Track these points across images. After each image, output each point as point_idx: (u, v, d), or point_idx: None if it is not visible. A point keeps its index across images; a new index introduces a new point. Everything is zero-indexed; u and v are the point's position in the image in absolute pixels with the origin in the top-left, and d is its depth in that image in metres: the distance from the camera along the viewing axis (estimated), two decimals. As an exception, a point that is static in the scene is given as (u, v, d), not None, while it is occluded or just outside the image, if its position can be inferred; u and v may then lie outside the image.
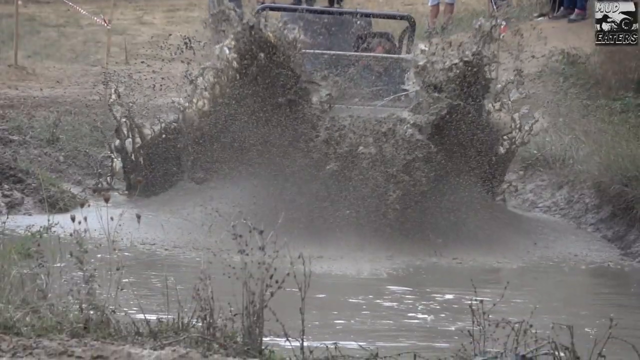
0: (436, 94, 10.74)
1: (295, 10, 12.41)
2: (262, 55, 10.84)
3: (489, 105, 11.35)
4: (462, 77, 10.80)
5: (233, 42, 10.95)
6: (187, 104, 11.45)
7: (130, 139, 11.81)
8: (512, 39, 11.28)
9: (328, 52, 11.72)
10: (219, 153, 11.17)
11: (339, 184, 10.58)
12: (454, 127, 10.80)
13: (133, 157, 11.84)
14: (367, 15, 12.96)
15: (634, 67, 14.36)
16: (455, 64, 10.81)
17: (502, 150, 11.51)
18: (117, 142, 12.01)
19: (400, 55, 12.21)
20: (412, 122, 10.64)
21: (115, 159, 12.21)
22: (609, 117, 13.25)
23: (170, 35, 13.01)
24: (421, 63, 10.92)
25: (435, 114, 10.66)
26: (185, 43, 11.21)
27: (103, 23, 18.16)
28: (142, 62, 13.82)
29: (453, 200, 10.78)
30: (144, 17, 22.17)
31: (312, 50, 11.46)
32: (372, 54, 11.94)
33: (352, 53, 11.84)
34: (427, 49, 11.06)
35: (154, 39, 15.28)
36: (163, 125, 11.77)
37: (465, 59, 10.81)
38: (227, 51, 10.99)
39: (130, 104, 11.82)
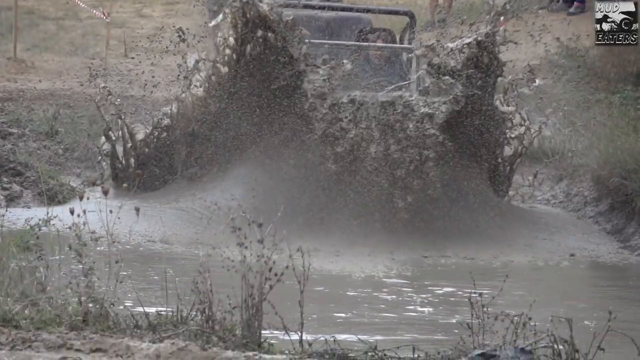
0: (449, 79, 10.24)
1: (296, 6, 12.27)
2: (259, 32, 10.46)
3: (498, 100, 11.14)
4: (476, 61, 10.38)
5: (229, 18, 10.61)
6: (182, 94, 11.21)
7: (121, 140, 11.47)
8: (534, 19, 11.06)
9: (328, 41, 11.60)
10: (214, 147, 11.03)
11: (339, 187, 10.28)
12: (467, 123, 10.42)
13: (124, 160, 11.52)
14: (367, 10, 12.90)
15: (633, 61, 14.35)
16: (468, 43, 10.32)
17: (510, 150, 11.36)
18: (105, 145, 11.69)
19: (404, 45, 12.09)
20: (422, 110, 10.17)
21: (104, 163, 11.96)
22: (608, 110, 13.25)
23: (162, 27, 12.90)
24: (429, 43, 10.48)
25: (450, 103, 10.18)
26: (179, 35, 10.98)
27: (102, 16, 18.12)
28: (133, 57, 13.71)
29: (460, 205, 10.56)
30: (143, 9, 22.11)
31: (315, 40, 11.22)
32: (374, 44, 11.82)
33: (354, 43, 11.74)
34: (435, 30, 10.78)
35: (144, 30, 15.20)
36: (155, 120, 11.46)
37: (480, 38, 10.32)
38: (221, 33, 10.73)
39: (119, 102, 11.54)
